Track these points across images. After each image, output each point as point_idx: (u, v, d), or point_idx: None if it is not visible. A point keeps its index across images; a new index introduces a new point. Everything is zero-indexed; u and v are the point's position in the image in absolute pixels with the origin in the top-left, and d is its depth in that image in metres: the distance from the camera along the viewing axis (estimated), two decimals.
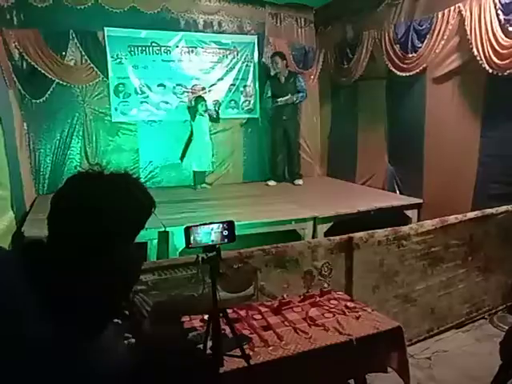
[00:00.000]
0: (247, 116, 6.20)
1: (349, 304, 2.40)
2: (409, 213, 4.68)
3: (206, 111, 5.54)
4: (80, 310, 0.86)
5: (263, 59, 6.12)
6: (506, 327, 2.54)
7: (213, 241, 1.72)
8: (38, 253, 0.90)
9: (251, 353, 1.91)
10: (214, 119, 5.67)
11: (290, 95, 5.58)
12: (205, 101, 5.58)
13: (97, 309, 0.90)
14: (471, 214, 3.33)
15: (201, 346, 1.82)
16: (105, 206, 0.88)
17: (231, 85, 6.03)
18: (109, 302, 0.95)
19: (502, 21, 3.58)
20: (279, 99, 5.56)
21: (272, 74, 5.78)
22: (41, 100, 5.01)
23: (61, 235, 0.90)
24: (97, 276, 0.89)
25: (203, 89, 5.87)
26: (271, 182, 5.84)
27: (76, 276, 0.87)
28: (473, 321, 3.41)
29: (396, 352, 2.20)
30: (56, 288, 0.85)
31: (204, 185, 5.69)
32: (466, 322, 3.37)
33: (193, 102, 5.65)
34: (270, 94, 5.70)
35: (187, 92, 5.80)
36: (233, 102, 6.09)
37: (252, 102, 6.19)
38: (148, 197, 0.98)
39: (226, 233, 1.73)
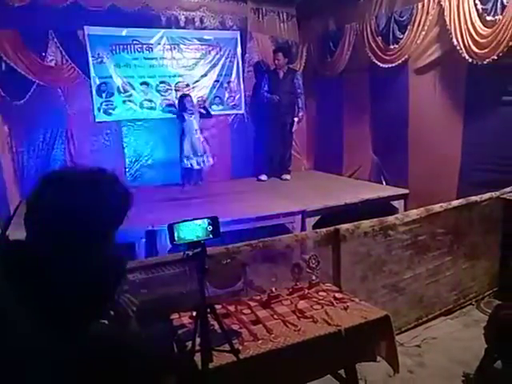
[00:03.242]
0: (232, 112, 6.19)
1: (337, 295, 2.42)
2: (395, 203, 4.73)
3: (192, 107, 5.47)
4: (62, 311, 0.85)
5: (246, 56, 6.11)
6: None
7: (197, 237, 1.71)
8: (17, 253, 0.89)
9: (241, 347, 1.92)
10: (205, 115, 5.61)
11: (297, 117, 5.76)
12: (190, 96, 5.53)
13: (78, 308, 0.89)
14: (456, 202, 3.37)
15: (190, 342, 1.82)
16: (79, 204, 0.87)
17: (215, 81, 6.00)
18: (91, 302, 0.94)
19: (480, 10, 3.62)
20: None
21: (271, 68, 5.84)
22: (22, 101, 4.92)
23: (38, 235, 0.89)
24: (78, 275, 0.88)
25: (187, 86, 5.83)
26: (263, 177, 5.83)
27: (56, 276, 0.86)
28: (460, 307, 3.46)
29: (385, 341, 2.23)
30: (36, 288, 0.84)
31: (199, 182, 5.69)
32: (453, 308, 3.41)
33: (177, 102, 5.60)
34: (266, 89, 5.70)
35: (171, 90, 5.76)
36: (217, 99, 6.07)
37: (237, 97, 6.17)
38: (124, 191, 0.97)
39: (210, 228, 1.73)
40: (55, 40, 5.03)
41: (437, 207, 3.23)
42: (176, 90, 5.75)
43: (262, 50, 6.16)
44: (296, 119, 5.76)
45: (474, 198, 3.42)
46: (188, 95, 5.53)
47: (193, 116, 5.40)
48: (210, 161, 5.58)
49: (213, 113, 5.90)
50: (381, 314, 2.23)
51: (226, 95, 6.11)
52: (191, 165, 5.46)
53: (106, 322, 1.24)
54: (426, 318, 3.25)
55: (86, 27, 5.18)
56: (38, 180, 0.92)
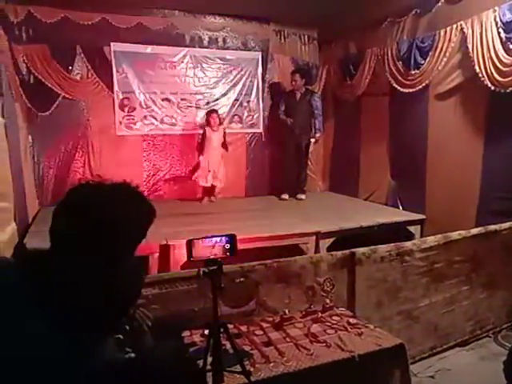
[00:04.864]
0: (251, 130, 6.25)
1: (351, 320, 2.38)
2: (412, 229, 4.66)
3: (217, 124, 5.52)
4: (80, 322, 0.86)
5: (267, 77, 6.19)
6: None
7: (215, 254, 1.71)
8: (39, 263, 0.90)
9: (252, 369, 1.89)
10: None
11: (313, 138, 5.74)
12: (216, 113, 5.56)
13: (96, 321, 0.89)
14: (475, 231, 3.31)
15: (201, 361, 1.80)
16: (105, 217, 0.88)
17: (235, 100, 6.09)
18: (109, 315, 0.94)
19: (504, 39, 3.62)
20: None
21: (287, 90, 5.90)
22: (46, 113, 5.07)
23: (62, 246, 0.91)
24: (97, 288, 0.89)
25: (207, 103, 5.93)
26: (285, 196, 5.81)
27: (76, 288, 0.86)
28: (477, 339, 3.35)
29: (398, 369, 2.18)
30: (56, 299, 0.85)
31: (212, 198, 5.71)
32: (469, 340, 3.31)
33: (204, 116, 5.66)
34: (283, 109, 5.74)
35: (192, 107, 5.87)
36: (237, 117, 6.14)
37: (255, 116, 6.24)
38: (148, 206, 0.98)
39: (227, 246, 1.73)
40: (82, 55, 5.19)
41: (455, 235, 3.17)
42: (197, 108, 5.85)
43: (282, 70, 6.24)
44: (313, 140, 5.77)
45: (493, 227, 3.36)
46: (215, 111, 5.58)
47: (215, 133, 5.45)
48: (221, 183, 5.61)
49: (231, 131, 5.96)
50: (396, 341, 2.18)
51: (245, 114, 6.18)
52: (205, 182, 5.51)
53: (121, 336, 1.24)
54: (440, 348, 3.16)
55: (112, 43, 5.34)
56: (66, 192, 0.94)
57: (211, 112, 5.53)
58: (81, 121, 5.35)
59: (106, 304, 0.91)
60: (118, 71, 5.44)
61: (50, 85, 4.99)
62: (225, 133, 5.57)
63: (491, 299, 3.41)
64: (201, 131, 5.56)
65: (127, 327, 1.28)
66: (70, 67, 5.16)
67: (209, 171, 5.45)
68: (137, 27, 5.35)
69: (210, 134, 5.42)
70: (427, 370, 2.92)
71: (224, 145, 5.57)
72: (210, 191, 5.68)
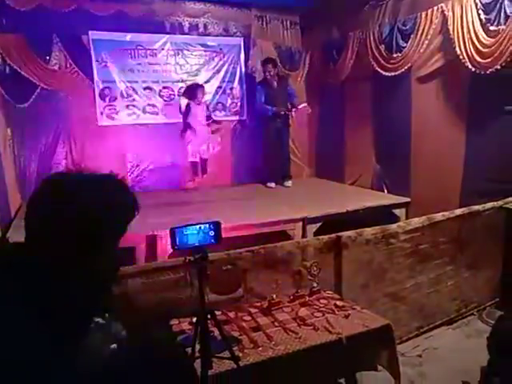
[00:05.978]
0: (235, 118, 6.20)
1: (338, 303, 2.40)
2: (397, 212, 4.71)
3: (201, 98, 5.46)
4: (60, 313, 0.84)
5: (249, 63, 6.14)
6: None
7: (199, 242, 1.70)
8: (17, 256, 0.87)
9: (241, 354, 1.90)
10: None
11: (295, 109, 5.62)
12: (202, 88, 5.51)
13: (77, 312, 0.88)
14: (458, 211, 3.35)
15: (189, 349, 1.80)
16: (84, 209, 0.84)
17: (218, 87, 6.03)
18: (89, 306, 0.92)
19: (483, 20, 3.64)
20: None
21: (258, 79, 5.84)
22: (25, 105, 4.94)
23: (38, 238, 0.87)
24: (77, 280, 0.87)
25: None
26: (271, 184, 5.80)
27: (55, 280, 0.84)
28: (462, 317, 3.42)
29: (386, 350, 2.21)
30: (36, 291, 0.83)
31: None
32: (455, 318, 3.38)
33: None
34: (263, 100, 5.66)
35: (174, 95, 5.79)
36: (220, 105, 6.08)
37: (239, 103, 6.19)
38: (131, 198, 0.94)
39: (212, 233, 1.72)
40: (59, 44, 5.06)
41: (439, 216, 3.21)
42: (179, 96, 5.77)
43: (265, 56, 6.17)
44: (294, 110, 5.63)
45: (476, 208, 3.40)
46: (200, 86, 5.51)
47: (199, 107, 5.39)
48: (209, 150, 5.56)
49: (215, 119, 5.90)
50: (382, 322, 2.21)
51: (229, 101, 6.13)
52: (194, 157, 5.47)
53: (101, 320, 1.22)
54: (427, 327, 3.22)
55: (90, 32, 5.23)
56: (42, 180, 0.90)
57: (196, 87, 5.45)
58: (61, 112, 5.24)
59: (86, 295, 0.88)
60: (97, 60, 5.33)
61: (27, 75, 4.86)
62: (207, 105, 5.55)
63: (475, 278, 3.47)
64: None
65: (107, 315, 1.27)
66: (48, 57, 5.03)
67: (198, 145, 5.41)
68: (115, 14, 5.22)
69: (196, 108, 5.36)
70: (414, 350, 2.98)
71: (209, 118, 5.54)
72: (198, 169, 5.61)
